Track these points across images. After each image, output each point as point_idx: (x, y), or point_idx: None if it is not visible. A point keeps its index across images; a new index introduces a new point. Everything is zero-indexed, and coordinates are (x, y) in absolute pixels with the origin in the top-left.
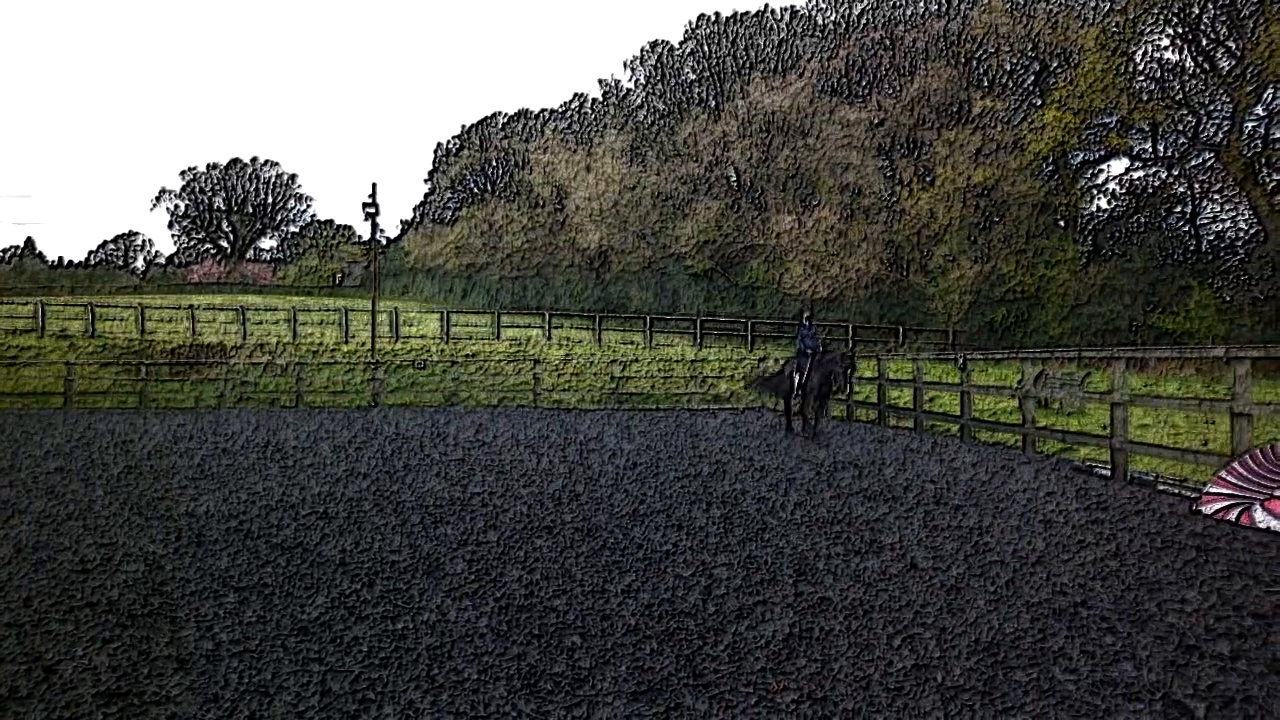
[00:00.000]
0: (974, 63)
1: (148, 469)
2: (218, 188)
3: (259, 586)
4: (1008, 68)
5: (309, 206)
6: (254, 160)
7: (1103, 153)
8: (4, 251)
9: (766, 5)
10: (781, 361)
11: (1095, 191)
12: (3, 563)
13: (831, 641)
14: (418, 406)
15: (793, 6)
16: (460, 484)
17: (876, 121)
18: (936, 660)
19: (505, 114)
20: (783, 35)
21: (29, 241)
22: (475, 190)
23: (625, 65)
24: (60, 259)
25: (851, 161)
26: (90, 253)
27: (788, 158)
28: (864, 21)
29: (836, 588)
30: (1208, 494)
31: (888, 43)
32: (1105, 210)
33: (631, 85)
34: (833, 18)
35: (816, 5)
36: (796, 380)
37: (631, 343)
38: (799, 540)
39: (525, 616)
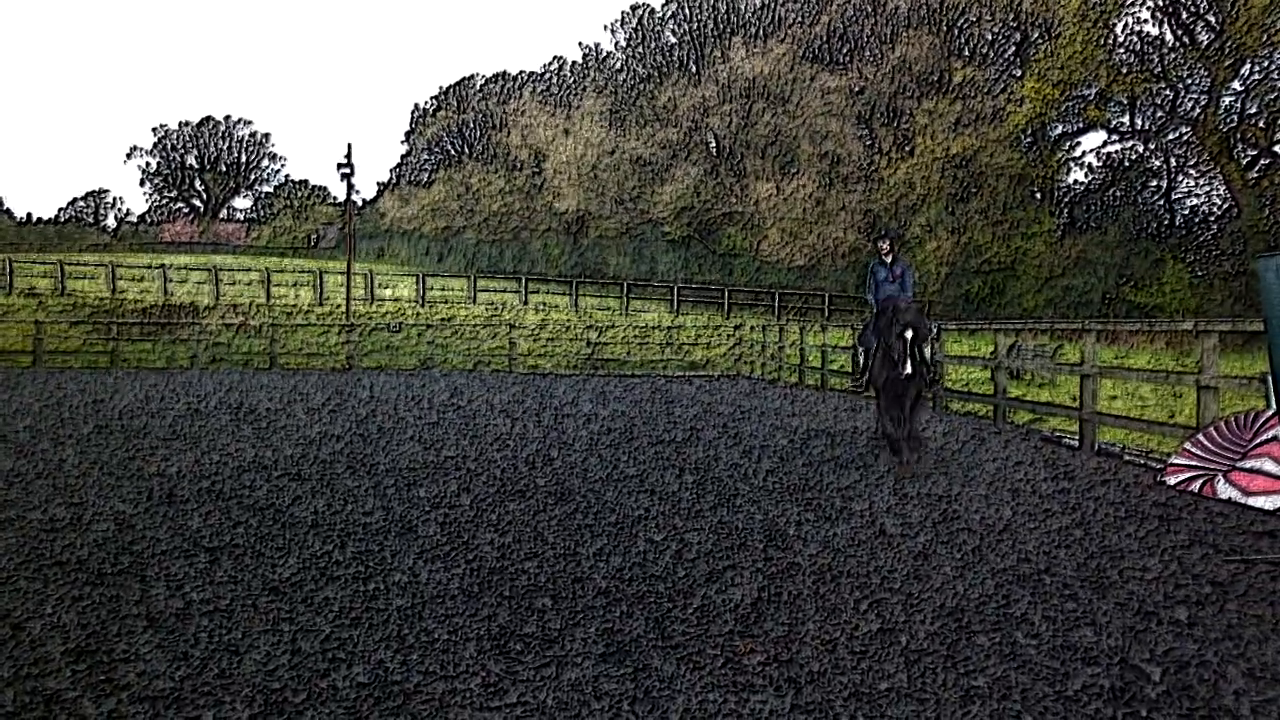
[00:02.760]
0: (956, 31)
1: (118, 429)
2: (190, 145)
3: (230, 547)
4: (989, 37)
5: (283, 166)
6: (227, 118)
7: (1081, 125)
8: None
9: None
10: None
11: (1073, 164)
12: None
13: (799, 605)
14: (392, 369)
15: None
16: (434, 447)
17: (857, 89)
18: (902, 624)
19: (483, 76)
20: (763, 0)
21: None
22: (452, 152)
23: (606, 28)
24: (29, 215)
25: (831, 129)
26: (60, 210)
27: (767, 124)
28: None
29: (805, 553)
30: (1172, 465)
31: (869, 9)
32: (1082, 183)
33: (611, 48)
34: None
35: None
36: (901, 369)
37: (608, 309)
38: (770, 506)
39: (496, 579)
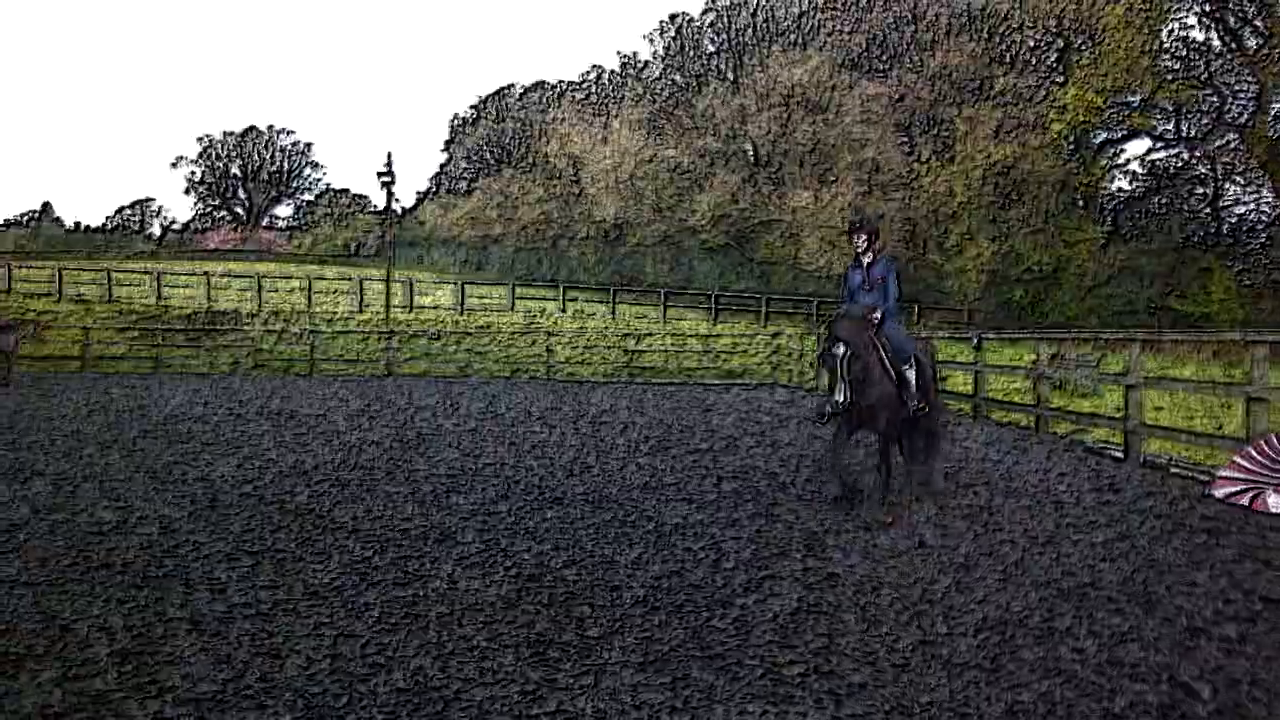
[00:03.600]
0: (997, 39)
1: (163, 434)
2: (234, 155)
3: (272, 551)
4: (1031, 44)
5: (325, 175)
6: (270, 128)
7: (1125, 132)
8: (22, 216)
9: None
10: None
11: (1116, 171)
12: (20, 524)
13: (839, 616)
14: (431, 376)
15: None
16: (472, 454)
17: (896, 97)
18: (943, 637)
19: (522, 85)
20: (803, 8)
21: (46, 206)
22: (491, 161)
23: (644, 37)
24: (77, 224)
25: (870, 137)
26: (107, 218)
27: (806, 132)
28: None
29: (845, 563)
30: (1221, 478)
31: (910, 17)
32: (1125, 191)
33: (650, 57)
34: None
35: None
36: (840, 387)
37: (645, 316)
38: (809, 516)
39: (534, 586)
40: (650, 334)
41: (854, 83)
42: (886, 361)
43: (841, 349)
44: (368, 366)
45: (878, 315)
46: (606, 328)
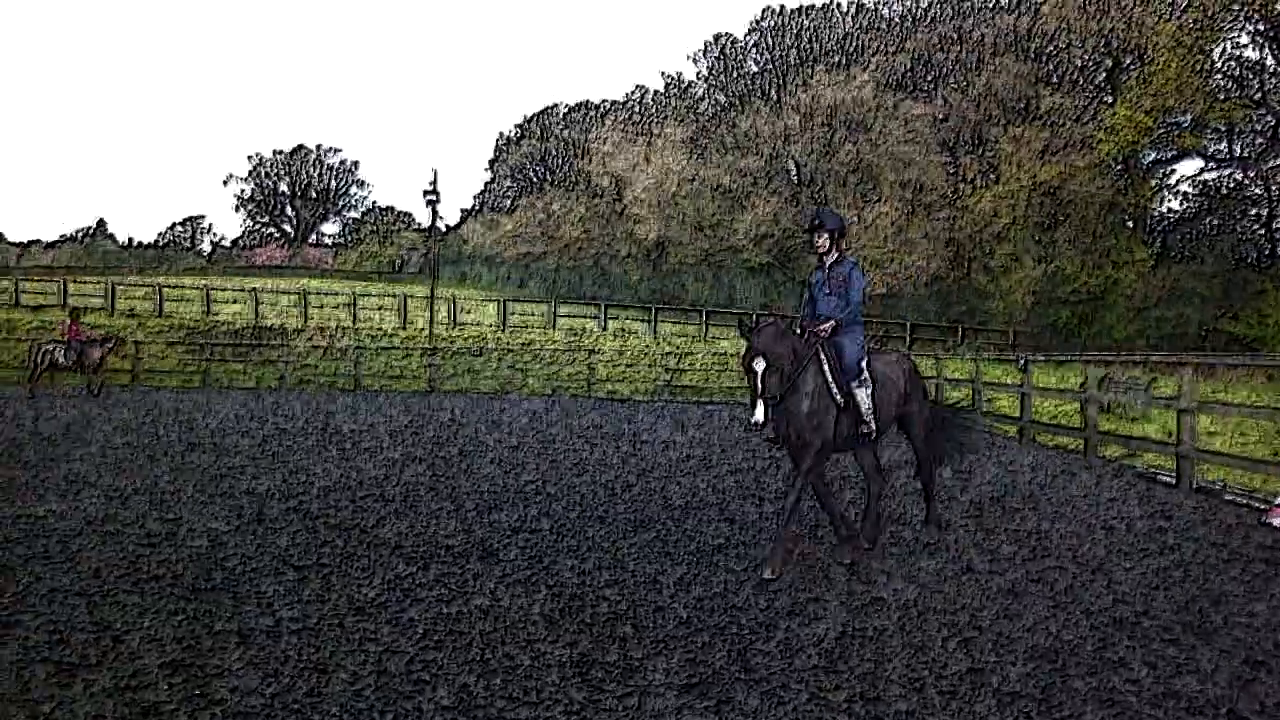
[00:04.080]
0: (1044, 58)
1: (210, 447)
2: (282, 173)
3: (317, 565)
4: (1078, 64)
5: (370, 193)
6: (318, 147)
7: (1175, 152)
8: (77, 232)
9: None
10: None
11: (1166, 192)
12: (73, 534)
13: (885, 642)
14: (473, 393)
15: (858, 0)
16: (514, 471)
17: (941, 117)
18: (992, 665)
19: (566, 104)
20: (847, 29)
21: (101, 222)
22: (535, 179)
23: (688, 57)
24: (130, 239)
25: (914, 157)
26: (159, 234)
27: (849, 152)
28: (931, 16)
29: (889, 588)
30: (1278, 506)
31: (955, 37)
32: (1176, 211)
33: (694, 77)
34: (899, 11)
35: None
36: (759, 408)
37: (686, 335)
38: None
39: (577, 605)
40: (691, 353)
41: (898, 103)
42: (830, 378)
43: (761, 364)
44: (411, 382)
45: (827, 328)
46: (648, 346)
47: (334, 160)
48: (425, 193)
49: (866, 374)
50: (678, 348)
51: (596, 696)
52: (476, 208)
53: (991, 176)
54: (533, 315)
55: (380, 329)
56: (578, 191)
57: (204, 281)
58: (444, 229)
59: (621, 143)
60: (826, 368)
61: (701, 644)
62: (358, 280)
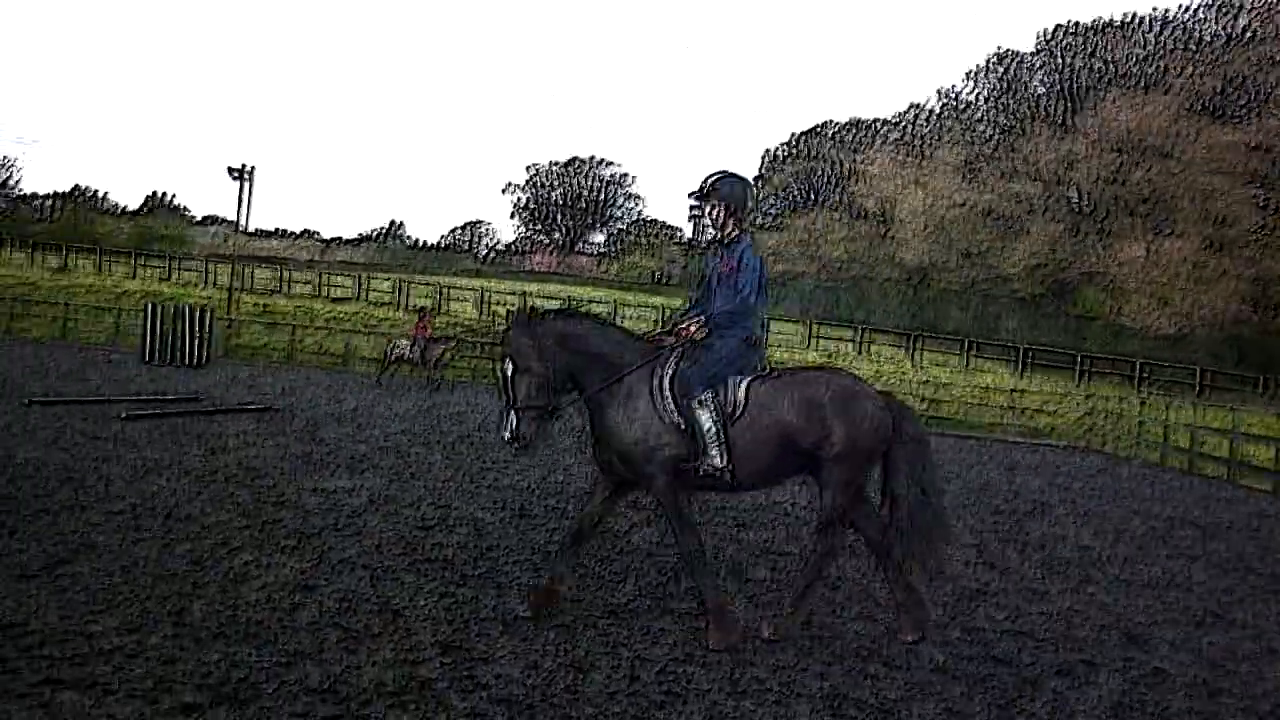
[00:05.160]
0: None
1: (478, 440)
2: (557, 183)
3: (574, 565)
4: None
5: (638, 205)
6: (591, 159)
7: None
8: (374, 232)
9: (1134, 15)
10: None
11: None
12: (359, 511)
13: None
14: None
15: (1165, 16)
16: (766, 491)
17: (1253, 145)
18: None
19: (836, 123)
20: (1149, 48)
21: (393, 224)
22: (799, 197)
23: (967, 75)
24: (416, 241)
25: (1218, 188)
26: (442, 237)
27: (1141, 180)
28: (1251, 34)
29: (1174, 660)
30: None
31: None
32: None
33: (972, 97)
34: (1213, 30)
35: (1195, 16)
36: (511, 419)
37: (946, 365)
38: (1126, 600)
39: (828, 635)
40: (950, 384)
41: (1201, 128)
42: (666, 391)
43: (509, 366)
44: None
45: (693, 328)
46: (905, 374)
47: (606, 173)
48: (691, 209)
49: (730, 392)
50: (936, 378)
51: None
52: None
53: None
54: (786, 334)
55: None
56: (842, 211)
57: (480, 284)
58: (704, 244)
59: (891, 164)
60: (668, 378)
61: (960, 693)
62: (620, 290)
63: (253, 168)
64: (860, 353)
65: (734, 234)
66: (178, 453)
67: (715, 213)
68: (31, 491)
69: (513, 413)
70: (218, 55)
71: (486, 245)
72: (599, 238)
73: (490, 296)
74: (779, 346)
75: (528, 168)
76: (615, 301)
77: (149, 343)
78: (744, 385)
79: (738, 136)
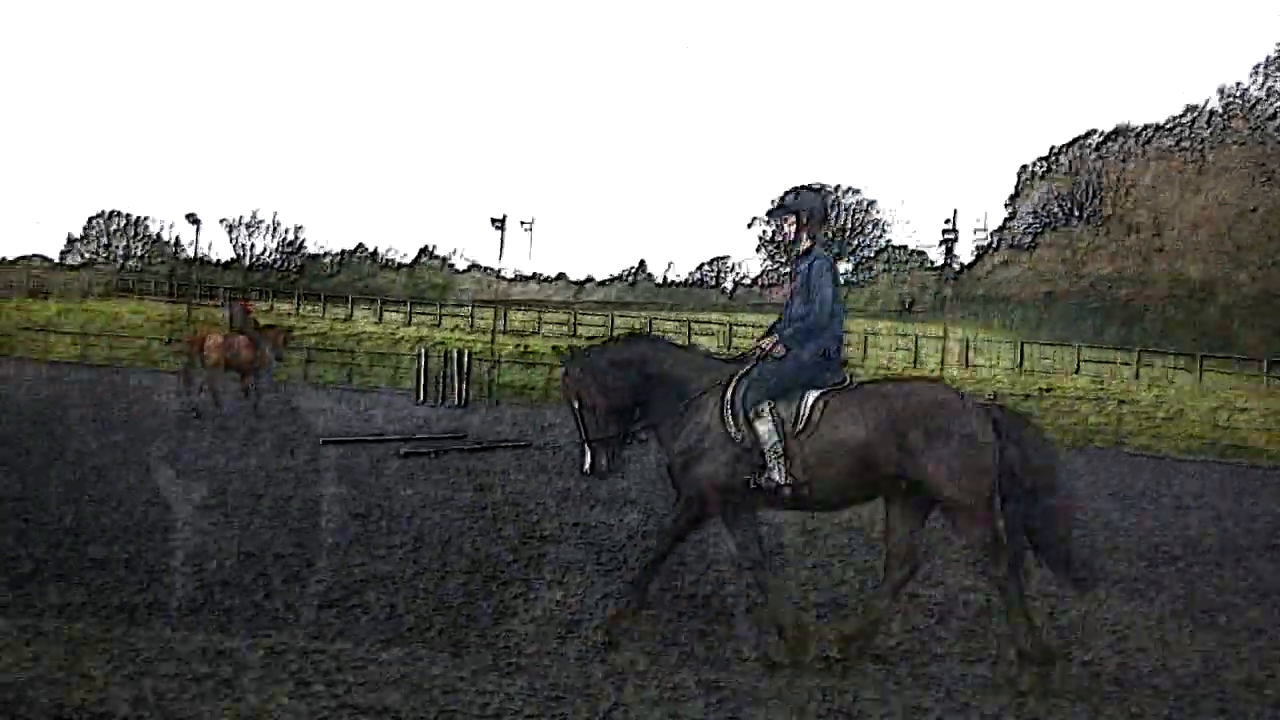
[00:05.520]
0: None
1: None
2: None
3: (832, 605)
4: None
5: (884, 231)
6: (837, 187)
7: None
8: (623, 272)
9: None
10: None
11: None
12: (619, 545)
13: None
14: None
15: None
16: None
17: None
18: None
19: (1100, 132)
20: None
21: (642, 263)
22: (1059, 214)
23: (1253, 70)
24: (664, 278)
25: None
26: (689, 273)
27: None
28: None
29: None
30: None
31: None
32: None
33: (1261, 93)
34: None
35: None
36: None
37: (1240, 388)
38: None
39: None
40: (1246, 408)
41: None
42: (729, 403)
43: (575, 404)
44: None
45: (771, 345)
46: (1191, 398)
47: (851, 200)
48: (943, 231)
49: (796, 406)
50: (1228, 401)
51: None
52: (993, 245)
53: None
54: (1052, 358)
55: (890, 369)
56: (1109, 226)
57: (727, 318)
58: (958, 268)
59: (1163, 173)
60: (732, 393)
61: None
62: (867, 318)
63: (525, 221)
64: (1137, 376)
65: (807, 246)
66: (449, 488)
67: (788, 226)
68: (326, 526)
69: (586, 447)
70: (479, 115)
71: (733, 280)
72: (845, 266)
73: (734, 330)
74: (1044, 373)
75: (770, 201)
76: (864, 331)
77: (421, 384)
78: (814, 399)
79: (992, 153)
